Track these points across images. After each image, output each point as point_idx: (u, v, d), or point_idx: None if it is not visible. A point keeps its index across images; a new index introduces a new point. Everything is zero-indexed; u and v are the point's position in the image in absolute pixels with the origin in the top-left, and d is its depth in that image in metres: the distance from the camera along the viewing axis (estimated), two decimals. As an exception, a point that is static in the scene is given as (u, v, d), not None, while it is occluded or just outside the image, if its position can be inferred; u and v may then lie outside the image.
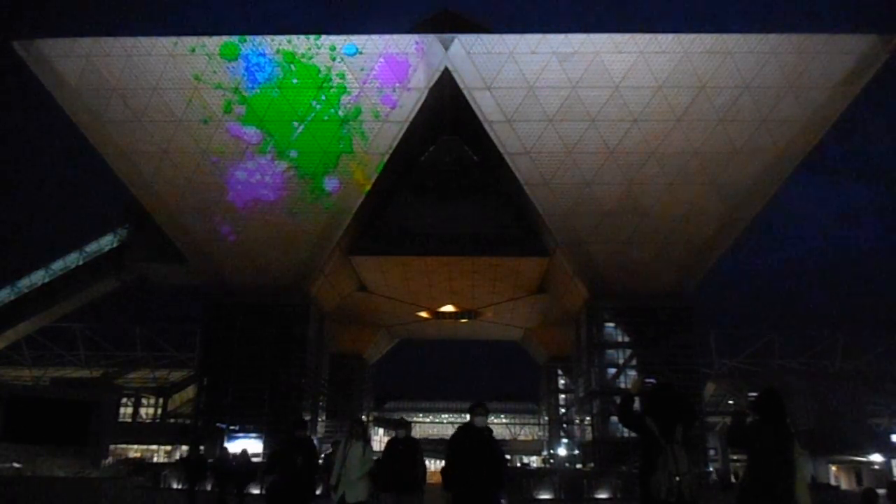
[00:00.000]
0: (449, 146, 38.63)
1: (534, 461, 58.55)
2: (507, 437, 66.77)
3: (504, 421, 72.59)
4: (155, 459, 43.21)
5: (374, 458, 9.06)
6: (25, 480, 23.13)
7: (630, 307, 35.73)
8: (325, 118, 31.39)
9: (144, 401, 52.40)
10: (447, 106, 32.77)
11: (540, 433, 61.74)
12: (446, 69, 30.59)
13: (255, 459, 22.26)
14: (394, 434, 9.72)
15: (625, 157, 31.48)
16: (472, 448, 6.73)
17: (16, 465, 28.39)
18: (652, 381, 5.73)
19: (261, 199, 32.97)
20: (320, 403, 40.63)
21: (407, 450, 9.08)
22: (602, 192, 32.35)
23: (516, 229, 37.26)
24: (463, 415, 77.64)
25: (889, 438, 39.34)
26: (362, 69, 30.62)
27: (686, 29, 31.55)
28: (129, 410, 50.57)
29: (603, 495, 26.80)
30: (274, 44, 30.57)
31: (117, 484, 22.70)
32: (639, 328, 35.96)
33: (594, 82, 30.07)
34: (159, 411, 51.41)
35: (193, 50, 30.52)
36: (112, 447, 35.86)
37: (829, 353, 49.78)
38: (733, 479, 31.88)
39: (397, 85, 30.82)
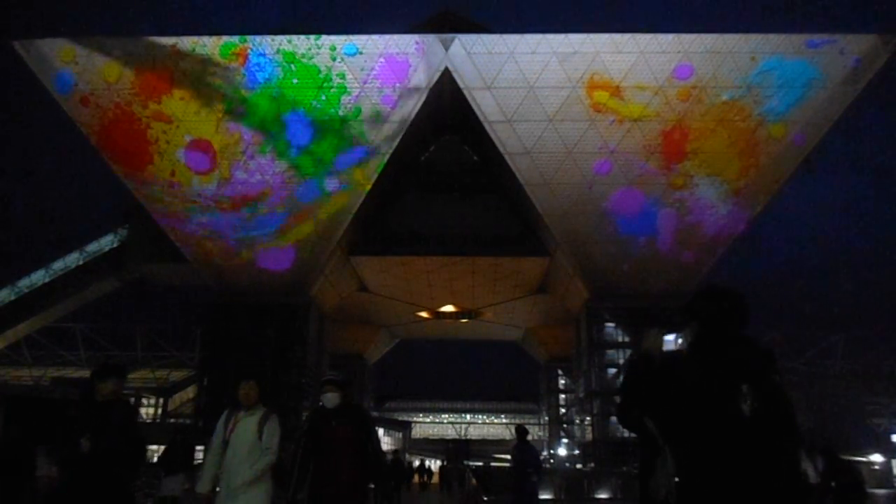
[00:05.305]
0: (449, 146, 38.62)
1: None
2: (507, 437, 66.77)
3: (504, 421, 72.61)
4: (155, 459, 43.12)
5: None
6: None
7: (630, 307, 35.64)
8: (325, 118, 31.43)
9: (144, 401, 52.29)
10: (447, 106, 32.77)
11: (540, 433, 61.66)
12: (446, 69, 30.61)
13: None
14: (320, 402, 5.26)
15: (625, 157, 31.51)
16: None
17: (16, 465, 28.34)
18: (674, 336, 4.04)
19: (261, 199, 32.98)
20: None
21: (346, 429, 4.97)
22: (602, 192, 32.38)
23: (516, 229, 37.27)
24: (463, 415, 77.56)
25: (889, 438, 39.30)
26: (362, 69, 30.64)
27: (686, 29, 31.52)
28: (130, 410, 50.60)
29: (603, 495, 26.82)
30: (274, 44, 30.61)
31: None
32: (639, 328, 35.87)
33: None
34: (159, 411, 51.38)
35: (193, 50, 30.56)
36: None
37: (829, 353, 49.66)
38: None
39: (397, 85, 30.84)
